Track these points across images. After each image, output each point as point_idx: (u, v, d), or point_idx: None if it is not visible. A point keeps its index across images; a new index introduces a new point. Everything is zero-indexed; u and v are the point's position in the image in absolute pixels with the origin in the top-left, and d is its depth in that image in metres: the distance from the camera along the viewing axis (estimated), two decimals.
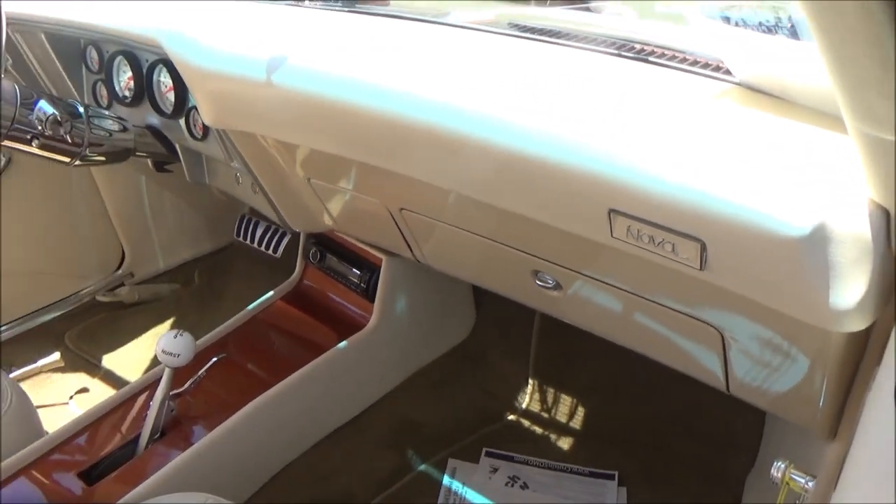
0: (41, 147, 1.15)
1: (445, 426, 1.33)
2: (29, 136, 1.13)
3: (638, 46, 0.80)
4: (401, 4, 1.08)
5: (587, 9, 0.95)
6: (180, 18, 1.06)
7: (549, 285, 0.92)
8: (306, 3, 1.09)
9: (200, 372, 1.12)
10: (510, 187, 0.72)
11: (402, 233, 1.07)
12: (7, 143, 1.12)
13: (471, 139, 0.70)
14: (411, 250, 1.11)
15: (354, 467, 1.24)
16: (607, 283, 0.83)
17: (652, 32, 0.85)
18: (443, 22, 1.01)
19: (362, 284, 1.27)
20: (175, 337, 1.00)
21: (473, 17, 1.02)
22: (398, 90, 0.76)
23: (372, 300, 1.25)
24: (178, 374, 1.06)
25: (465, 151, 0.72)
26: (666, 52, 0.77)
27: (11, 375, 1.38)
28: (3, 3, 0.99)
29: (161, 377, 1.04)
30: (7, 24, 1.00)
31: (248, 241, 1.75)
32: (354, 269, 1.28)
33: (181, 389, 1.10)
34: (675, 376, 0.93)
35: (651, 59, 0.77)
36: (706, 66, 0.74)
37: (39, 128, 1.13)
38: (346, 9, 1.10)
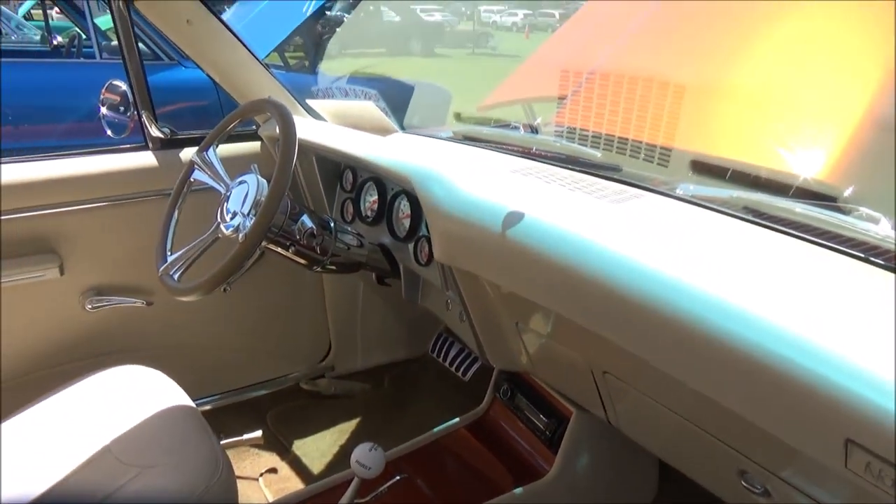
0: (295, 253, 1.33)
1: None
2: (287, 243, 1.31)
3: (893, 252, 0.76)
4: (633, 174, 1.12)
5: (836, 208, 0.92)
6: (433, 160, 1.20)
7: (757, 491, 0.85)
8: (551, 163, 1.18)
9: (382, 488, 1.17)
10: (738, 386, 0.69)
11: (599, 393, 1.06)
12: (269, 245, 1.31)
13: (703, 326, 0.69)
14: (605, 412, 1.09)
15: None
16: None
17: None
18: (674, 195, 1.03)
19: (548, 432, 1.26)
20: (370, 450, 1.06)
21: (705, 193, 1.03)
22: (627, 259, 0.78)
23: (555, 451, 1.23)
24: (367, 484, 1.11)
25: (694, 338, 0.71)
26: None
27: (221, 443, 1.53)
28: (297, 135, 1.20)
29: (347, 481, 1.09)
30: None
31: (440, 359, 1.83)
32: (542, 416, 1.28)
33: (363, 500, 1.15)
34: None
35: None
36: None
37: (298, 237, 1.31)
38: (580, 169, 1.17)
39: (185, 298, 1.26)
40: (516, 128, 1.53)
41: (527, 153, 1.31)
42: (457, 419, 1.39)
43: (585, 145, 1.31)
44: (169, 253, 1.34)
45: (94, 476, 1.24)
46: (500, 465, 1.28)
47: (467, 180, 1.08)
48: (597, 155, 1.25)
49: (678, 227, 0.90)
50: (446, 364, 1.77)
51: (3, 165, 1.49)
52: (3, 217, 1.47)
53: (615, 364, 0.96)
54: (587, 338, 0.97)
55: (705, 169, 1.09)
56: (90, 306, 1.61)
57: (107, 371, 1.49)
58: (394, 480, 1.18)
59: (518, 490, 1.20)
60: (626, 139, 1.24)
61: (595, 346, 0.97)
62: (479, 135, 1.46)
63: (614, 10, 1.66)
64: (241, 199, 1.27)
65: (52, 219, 1.53)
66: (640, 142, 1.22)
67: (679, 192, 1.04)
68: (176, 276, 1.29)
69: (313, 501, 1.17)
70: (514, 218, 0.92)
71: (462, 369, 1.70)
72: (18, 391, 1.54)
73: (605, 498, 1.29)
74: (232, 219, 1.26)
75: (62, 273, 1.55)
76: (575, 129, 1.37)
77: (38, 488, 1.23)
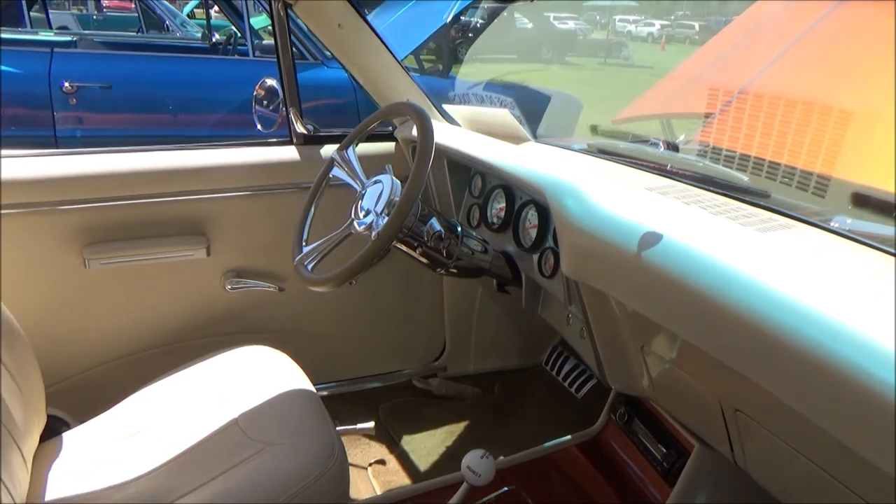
0: (421, 254, 1.36)
1: None
2: (415, 244, 1.34)
3: None
4: (783, 202, 1.05)
5: None
6: (567, 172, 1.19)
7: None
8: (691, 183, 1.13)
9: (490, 497, 1.17)
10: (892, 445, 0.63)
11: (727, 430, 1.00)
12: (398, 244, 1.35)
13: (861, 375, 0.64)
14: (732, 450, 1.03)
15: None
16: None
17: None
18: (829, 227, 0.96)
19: (665, 463, 1.20)
20: (482, 458, 1.07)
21: (865, 229, 0.95)
22: (775, 293, 0.73)
23: (671, 484, 1.18)
24: (473, 492, 1.11)
25: (850, 388, 0.65)
26: None
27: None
28: (435, 137, 1.23)
29: (456, 484, 1.10)
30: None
31: (553, 372, 1.81)
32: (661, 446, 1.23)
33: None
34: None
35: None
36: None
37: (425, 238, 1.34)
38: (723, 192, 1.11)
39: (317, 289, 1.32)
40: (655, 144, 1.48)
41: (665, 171, 1.26)
42: (568, 437, 1.36)
43: (731, 167, 1.25)
44: (304, 244, 1.41)
45: (222, 446, 1.32)
46: (609, 490, 1.24)
47: (602, 195, 1.05)
48: (743, 178, 1.18)
49: (832, 262, 0.84)
50: (559, 378, 1.74)
51: (162, 152, 1.63)
52: (163, 199, 1.61)
53: (749, 402, 0.91)
54: (720, 371, 0.92)
55: (868, 203, 1.00)
56: (229, 287, 1.73)
57: (239, 349, 1.59)
58: (502, 491, 1.17)
59: None
60: (778, 164, 1.16)
61: (729, 380, 0.91)
62: (614, 149, 1.42)
63: (772, 24, 1.56)
64: (376, 199, 1.31)
65: (203, 204, 1.65)
66: (795, 168, 1.14)
67: (834, 224, 0.96)
68: (310, 267, 1.36)
69: (421, 499, 1.19)
70: (651, 238, 0.89)
71: (575, 386, 1.67)
72: (161, 358, 1.68)
73: None
74: (365, 216, 1.30)
75: (208, 254, 1.67)
76: (720, 149, 1.31)
77: (173, 451, 1.33)
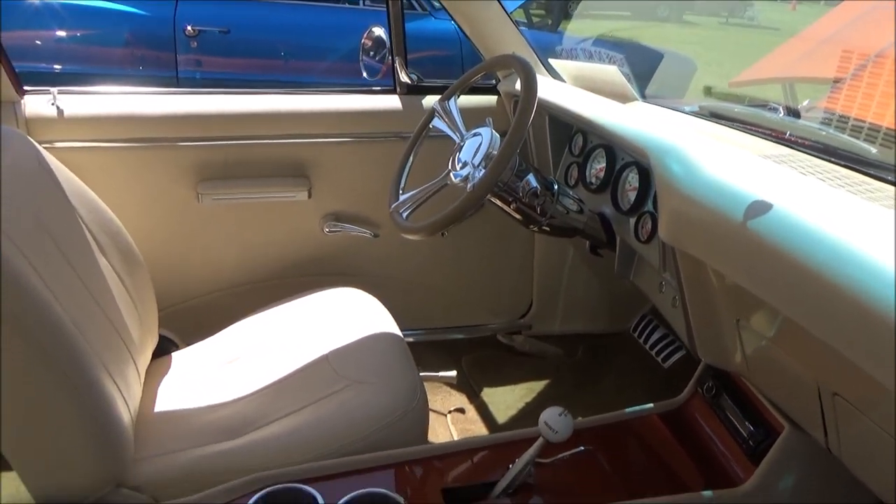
0: (515, 209, 1.35)
1: None
2: (510, 199, 1.33)
3: None
4: None
5: None
6: (674, 134, 1.14)
7: None
8: (811, 153, 1.06)
9: (565, 454, 1.17)
10: None
11: (823, 415, 0.95)
12: (493, 198, 1.35)
13: None
14: (826, 436, 0.98)
15: None
16: None
17: None
18: None
19: (751, 442, 1.16)
20: (560, 415, 1.07)
21: None
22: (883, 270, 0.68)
23: (756, 462, 1.14)
24: (549, 447, 1.12)
25: None
26: None
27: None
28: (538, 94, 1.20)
29: (532, 438, 1.11)
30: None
31: (640, 340, 1.77)
32: (748, 424, 1.18)
33: (544, 461, 1.16)
34: None
35: None
36: None
37: (520, 194, 1.33)
38: (847, 164, 1.04)
39: (409, 237, 1.34)
40: (774, 109, 1.39)
41: (783, 139, 1.18)
42: (651, 405, 1.34)
43: (858, 138, 1.15)
44: (401, 192, 1.43)
45: (312, 379, 1.40)
46: (689, 463, 1.22)
47: (709, 159, 1.00)
48: (871, 150, 1.09)
49: None
50: (646, 346, 1.70)
51: (273, 96, 1.69)
52: (271, 141, 1.68)
53: (851, 387, 0.86)
54: (823, 353, 0.87)
55: None
56: (327, 230, 1.79)
57: (333, 290, 1.66)
58: (577, 450, 1.17)
59: (708, 493, 1.13)
60: None
61: (831, 363, 0.86)
62: (728, 112, 1.35)
63: None
64: (474, 151, 1.31)
65: (308, 148, 1.71)
66: None
67: None
68: (405, 215, 1.38)
69: (496, 449, 1.21)
70: (759, 207, 0.84)
71: (663, 356, 1.62)
72: (262, 292, 1.78)
73: None
74: (462, 168, 1.31)
75: (310, 196, 1.74)
76: (847, 117, 1.21)
77: (268, 379, 1.41)
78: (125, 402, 1.21)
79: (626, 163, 1.38)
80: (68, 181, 1.31)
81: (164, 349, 1.60)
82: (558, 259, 1.94)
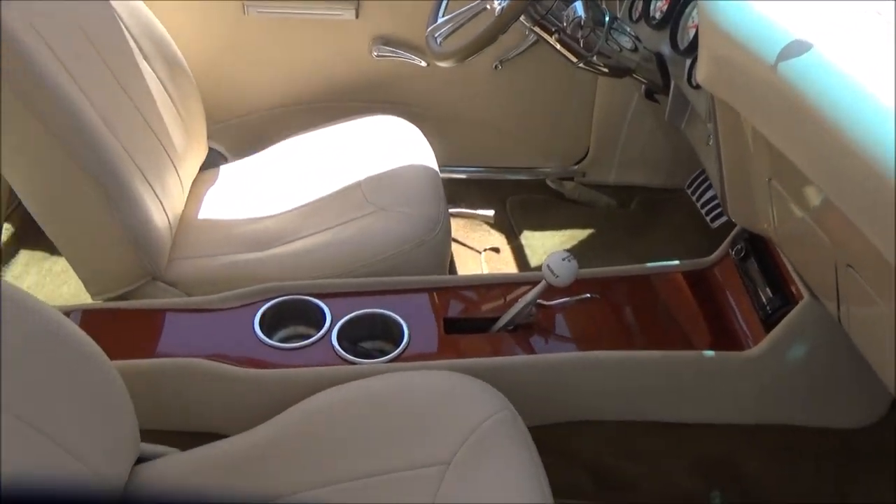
0: (557, 41, 1.24)
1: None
2: (553, 29, 1.22)
3: None
4: None
5: None
6: None
7: None
8: None
9: (570, 299, 1.16)
10: None
11: (837, 286, 0.88)
12: (536, 28, 1.24)
13: None
14: (838, 309, 0.92)
15: (649, 464, 1.19)
16: None
17: None
18: None
19: (768, 308, 1.11)
20: (563, 259, 1.05)
21: None
22: None
23: (767, 330, 1.09)
24: (554, 291, 1.12)
25: None
26: None
27: (451, 210, 1.63)
28: None
29: (540, 282, 1.11)
30: None
31: (693, 197, 1.68)
32: (769, 290, 1.12)
33: (547, 303, 1.16)
34: None
35: None
36: None
37: (564, 24, 1.21)
38: None
39: (440, 63, 1.28)
40: None
41: None
42: (676, 262, 1.29)
43: None
44: (441, 15, 1.35)
45: (343, 202, 1.43)
46: (701, 323, 1.18)
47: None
48: None
49: None
50: (698, 205, 1.61)
51: None
52: None
53: (863, 259, 0.78)
54: (841, 219, 0.79)
55: None
56: (376, 53, 1.73)
57: (377, 117, 1.64)
58: (583, 297, 1.16)
59: (709, 353, 1.11)
60: None
61: (847, 231, 0.78)
62: None
63: None
64: None
65: None
66: None
67: None
68: (439, 40, 1.31)
69: (502, 288, 1.22)
70: (794, 48, 0.73)
71: (711, 216, 1.54)
72: (306, 114, 1.79)
73: (809, 400, 1.14)
74: None
75: (357, 16, 1.67)
76: None
77: (303, 198, 1.46)
78: (161, 205, 1.29)
79: None
80: None
81: (213, 161, 1.67)
82: (620, 106, 1.82)
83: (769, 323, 1.10)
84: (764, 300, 1.13)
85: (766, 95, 0.79)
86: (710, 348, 1.13)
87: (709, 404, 1.15)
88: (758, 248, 1.18)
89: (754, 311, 1.15)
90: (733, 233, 1.26)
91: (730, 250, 1.24)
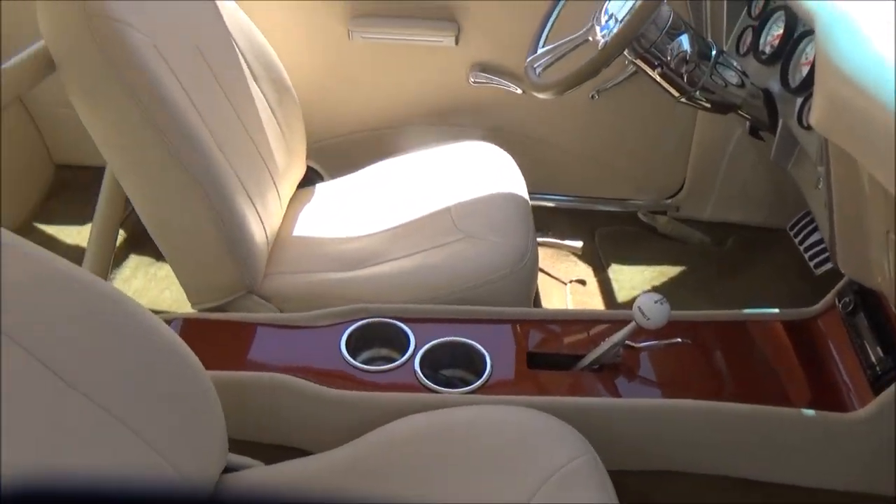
0: (660, 75, 1.22)
1: None
2: (656, 63, 1.20)
3: None
4: None
5: None
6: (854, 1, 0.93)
7: None
8: None
9: (660, 342, 1.12)
10: None
11: None
12: (639, 61, 1.22)
13: None
14: None
15: None
16: None
17: None
18: None
19: (878, 369, 1.03)
20: (656, 302, 1.01)
21: None
22: None
23: (877, 392, 1.02)
24: (642, 332, 1.08)
25: None
26: None
27: (539, 239, 1.61)
28: None
29: (628, 322, 1.07)
30: None
31: (796, 240, 1.59)
32: (879, 349, 1.04)
33: (635, 344, 1.13)
34: None
35: None
36: None
37: (668, 58, 1.18)
38: None
39: (539, 95, 1.27)
40: None
41: None
42: (776, 310, 1.22)
43: None
44: (541, 46, 1.34)
45: (432, 228, 1.44)
46: (801, 378, 1.11)
47: (889, 37, 0.81)
48: None
49: None
50: (801, 248, 1.53)
51: None
52: None
53: None
54: None
55: None
56: (472, 80, 1.75)
57: (470, 142, 1.65)
58: (674, 341, 1.12)
59: (809, 412, 1.04)
60: None
61: None
62: None
63: None
64: (623, 2, 1.17)
65: None
66: None
67: None
68: (538, 70, 1.31)
69: (589, 325, 1.19)
70: None
71: (815, 262, 1.45)
72: (402, 136, 1.82)
73: None
74: (607, 21, 1.18)
75: (456, 43, 1.69)
76: None
77: (393, 221, 1.48)
78: (261, 222, 1.34)
79: (807, 31, 1.16)
80: (226, 8, 1.39)
81: (310, 180, 1.73)
82: (721, 140, 1.75)
83: (878, 386, 1.03)
84: (873, 359, 1.05)
85: (888, 145, 0.74)
86: (810, 406, 1.07)
87: (805, 466, 1.08)
88: (867, 303, 1.10)
89: (861, 370, 1.07)
90: (841, 283, 1.18)
91: (836, 302, 1.17)
